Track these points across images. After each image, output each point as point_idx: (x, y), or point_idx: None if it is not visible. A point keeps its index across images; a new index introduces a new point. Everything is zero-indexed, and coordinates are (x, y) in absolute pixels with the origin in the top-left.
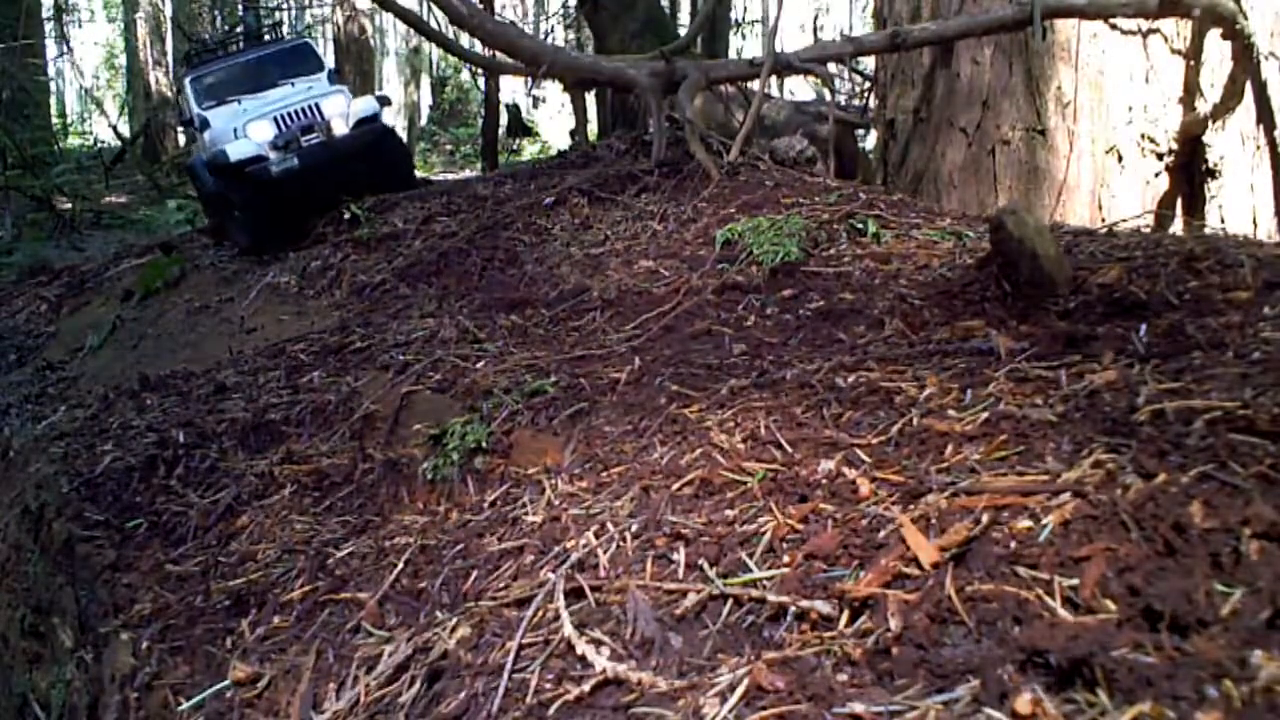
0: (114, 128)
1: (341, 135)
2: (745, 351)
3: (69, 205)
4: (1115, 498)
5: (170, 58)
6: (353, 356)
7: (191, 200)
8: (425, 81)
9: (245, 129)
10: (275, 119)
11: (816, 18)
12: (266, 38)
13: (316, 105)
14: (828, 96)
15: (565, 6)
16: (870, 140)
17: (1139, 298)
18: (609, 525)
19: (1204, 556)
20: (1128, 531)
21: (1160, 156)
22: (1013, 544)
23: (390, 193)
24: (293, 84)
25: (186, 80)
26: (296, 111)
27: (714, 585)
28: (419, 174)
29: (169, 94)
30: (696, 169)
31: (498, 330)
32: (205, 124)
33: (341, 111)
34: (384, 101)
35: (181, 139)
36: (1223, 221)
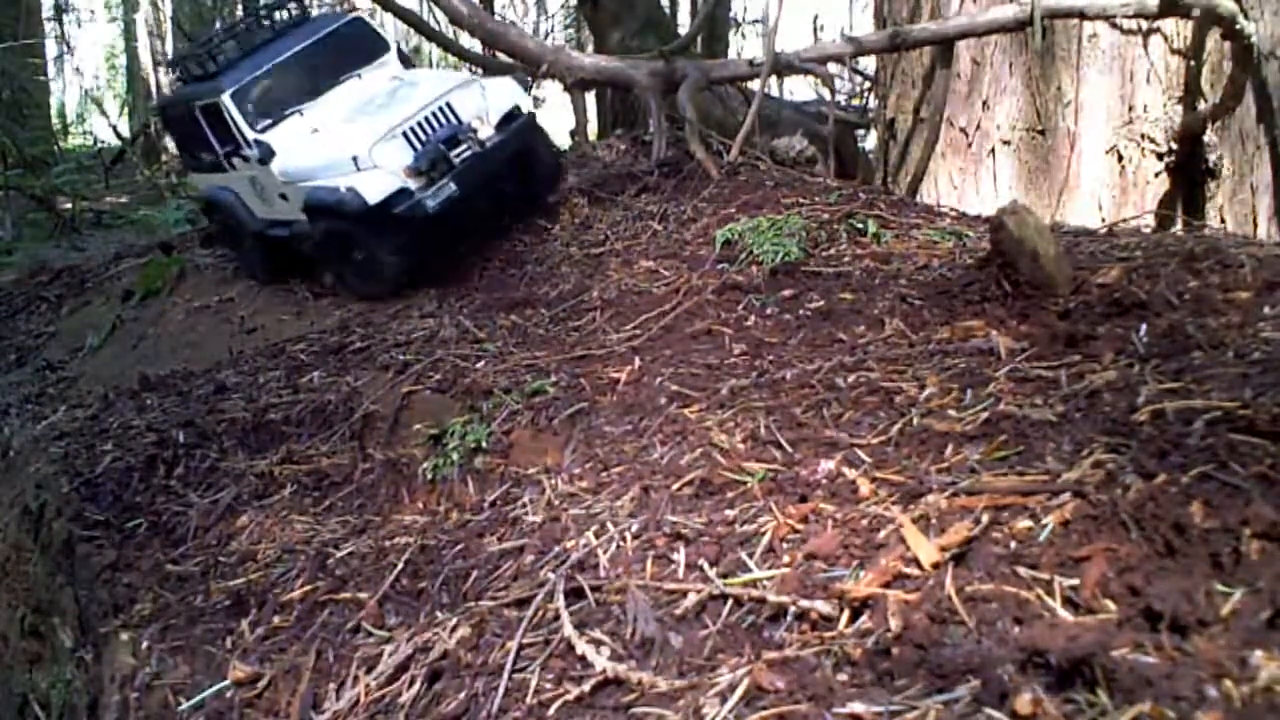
0: (114, 128)
1: (492, 142)
2: (745, 351)
3: (69, 205)
4: (1115, 498)
5: (170, 58)
6: (353, 356)
7: (192, 200)
8: None
9: (372, 156)
10: (406, 135)
11: (816, 18)
12: (288, 13)
13: (449, 107)
14: (828, 96)
15: (565, 6)
16: (870, 140)
17: (1139, 298)
18: (609, 525)
19: (1204, 556)
20: (1128, 531)
21: (1160, 156)
22: (1013, 544)
23: (542, 200)
24: (359, 76)
25: (226, 100)
26: (428, 120)
27: (714, 585)
28: None
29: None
30: (696, 169)
31: (498, 330)
32: (269, 153)
33: (480, 110)
34: (525, 84)
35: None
36: (1223, 221)
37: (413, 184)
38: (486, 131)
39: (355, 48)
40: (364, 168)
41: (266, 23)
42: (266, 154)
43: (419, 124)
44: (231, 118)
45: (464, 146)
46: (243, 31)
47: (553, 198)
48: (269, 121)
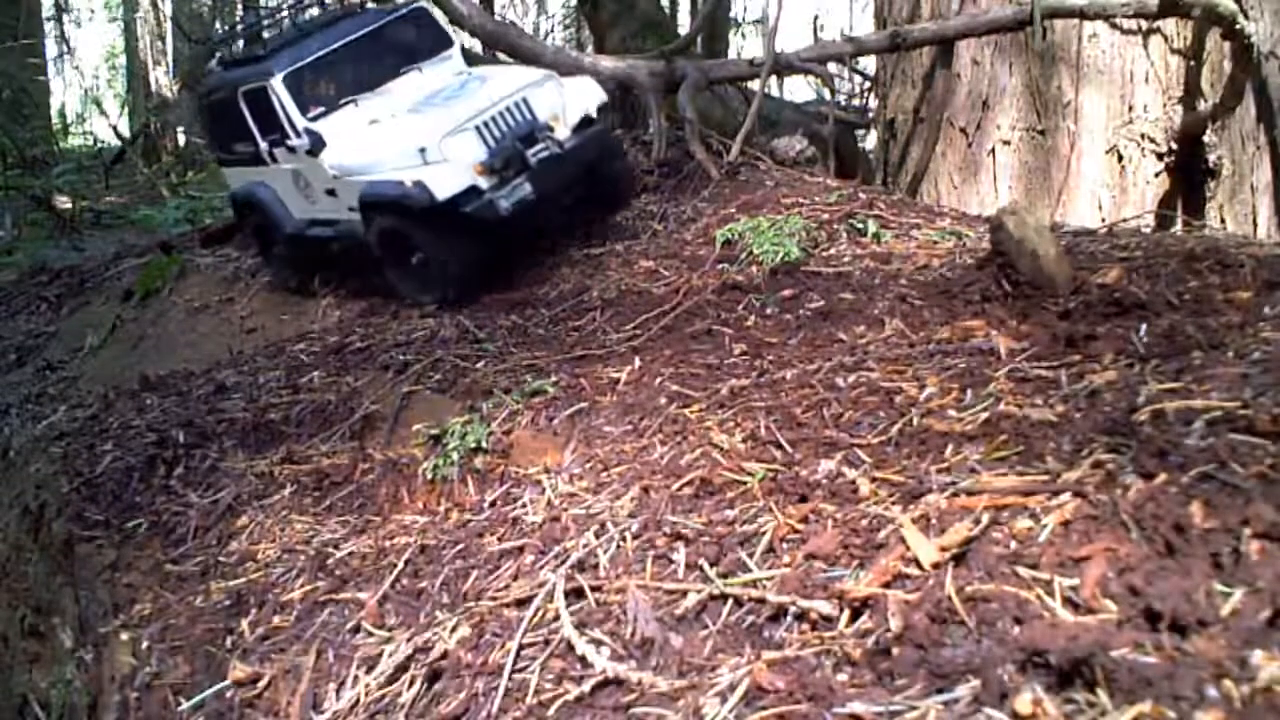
0: (114, 128)
1: (570, 143)
2: (745, 351)
3: (69, 205)
4: (1115, 498)
5: (170, 58)
6: (353, 356)
7: (192, 200)
8: None
9: (442, 149)
10: (479, 129)
11: (816, 18)
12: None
13: (525, 103)
14: (828, 96)
15: (565, 6)
16: (870, 140)
17: (1139, 298)
18: (609, 525)
19: (1204, 556)
20: (1128, 531)
21: (1160, 156)
22: (1013, 544)
23: (611, 214)
24: (420, 70)
25: (276, 83)
26: (503, 115)
27: (714, 585)
28: None
29: (169, 94)
30: (696, 169)
31: (498, 330)
32: (320, 143)
33: (558, 109)
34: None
35: (182, 138)
36: (1223, 221)
37: (483, 182)
38: (563, 133)
39: (416, 40)
40: (432, 161)
41: (317, 10)
42: (317, 144)
43: (493, 119)
44: (281, 103)
45: (541, 146)
46: (293, 13)
47: (622, 214)
48: (321, 110)
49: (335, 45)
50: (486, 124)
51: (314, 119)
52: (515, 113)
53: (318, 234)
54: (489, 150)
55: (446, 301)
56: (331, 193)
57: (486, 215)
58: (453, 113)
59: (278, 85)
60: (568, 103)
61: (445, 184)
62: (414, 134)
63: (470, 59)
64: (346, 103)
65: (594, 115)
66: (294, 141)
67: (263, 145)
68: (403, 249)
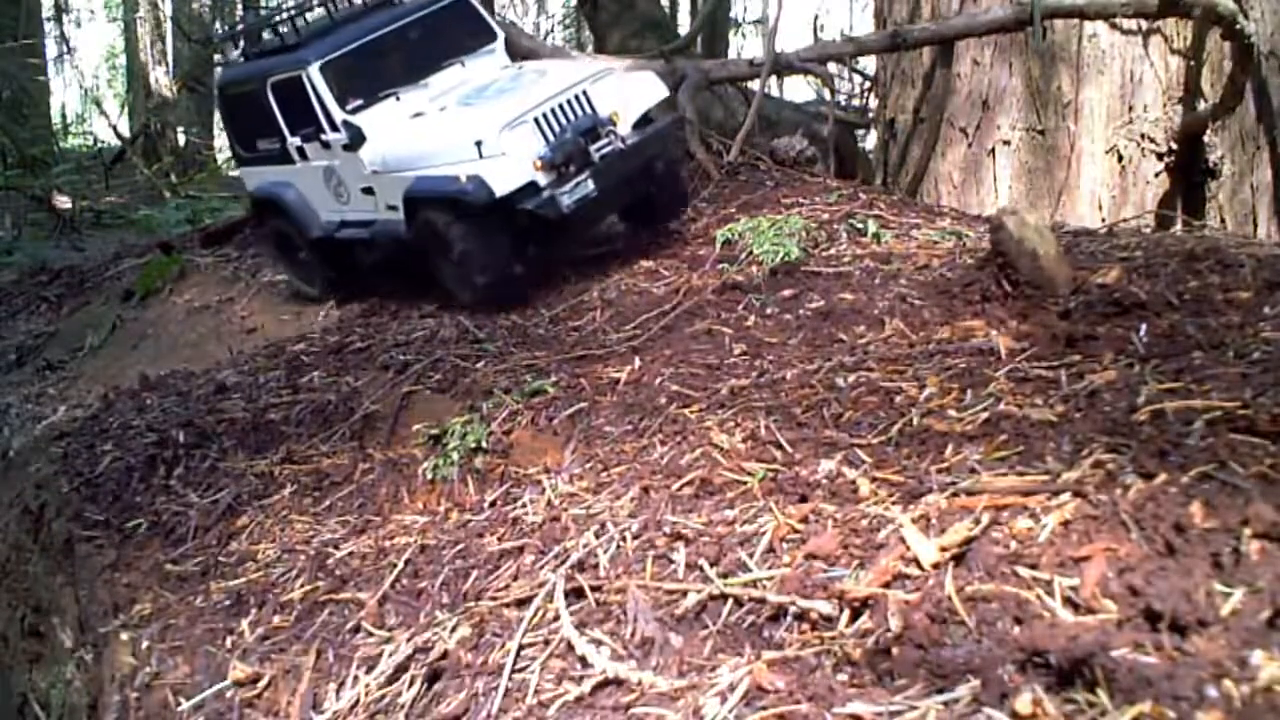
0: (114, 128)
1: (632, 140)
2: (745, 351)
3: (69, 205)
4: (1115, 498)
5: (170, 58)
6: (353, 356)
7: (192, 200)
8: None
9: (500, 141)
10: (538, 122)
11: (816, 18)
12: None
13: (585, 96)
14: (828, 96)
15: (565, 6)
16: (870, 140)
17: (1139, 298)
18: (609, 525)
19: (1204, 556)
20: (1128, 531)
21: (1160, 156)
22: (1013, 544)
23: (672, 216)
24: (463, 63)
25: (313, 72)
26: (562, 109)
27: (714, 585)
28: None
29: (169, 94)
30: (696, 169)
31: (498, 330)
32: (359, 136)
33: (619, 104)
34: (667, 80)
35: (181, 138)
36: (1223, 221)
37: (541, 178)
38: (624, 129)
39: (458, 32)
40: (489, 155)
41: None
42: (356, 138)
43: (551, 112)
44: (318, 95)
45: (604, 142)
46: (295, 13)
47: (674, 223)
48: (360, 103)
49: (375, 34)
50: (545, 117)
51: (352, 111)
52: (575, 106)
53: (349, 235)
54: (549, 145)
55: (482, 303)
56: (368, 191)
57: (547, 213)
58: (509, 105)
59: (314, 75)
60: (629, 97)
61: (504, 179)
62: (469, 126)
63: None
64: (387, 95)
65: (654, 111)
66: (330, 136)
67: (292, 141)
68: (443, 246)
